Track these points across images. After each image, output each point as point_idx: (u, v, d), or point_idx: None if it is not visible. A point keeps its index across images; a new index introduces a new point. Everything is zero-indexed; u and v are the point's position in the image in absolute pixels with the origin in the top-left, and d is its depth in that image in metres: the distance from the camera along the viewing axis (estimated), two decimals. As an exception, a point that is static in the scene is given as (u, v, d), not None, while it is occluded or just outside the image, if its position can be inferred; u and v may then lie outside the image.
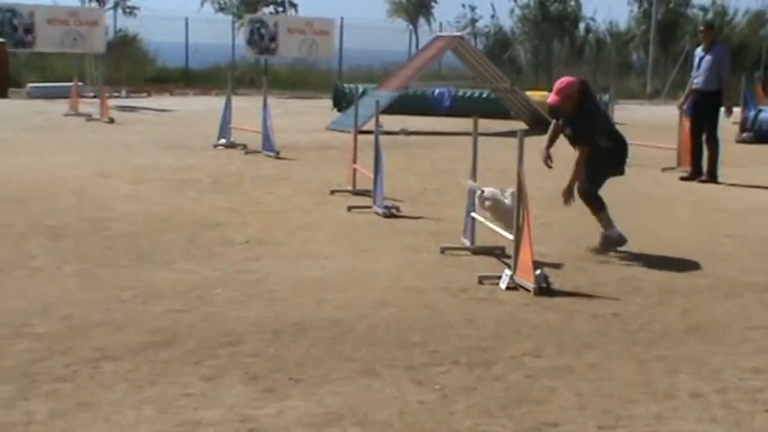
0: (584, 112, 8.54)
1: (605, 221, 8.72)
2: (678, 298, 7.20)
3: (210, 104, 24.70)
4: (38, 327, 5.99)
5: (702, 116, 13.71)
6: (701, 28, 14.52)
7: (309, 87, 32.69)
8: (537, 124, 19.19)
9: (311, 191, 11.93)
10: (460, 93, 24.64)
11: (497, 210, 8.21)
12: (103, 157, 14.47)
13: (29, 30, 28.16)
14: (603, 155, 8.60)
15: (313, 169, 13.89)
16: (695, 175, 13.77)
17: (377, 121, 10.76)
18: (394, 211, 10.39)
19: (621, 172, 8.87)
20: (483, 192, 8.33)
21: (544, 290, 7.12)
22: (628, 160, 8.92)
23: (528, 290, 7.12)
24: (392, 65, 30.09)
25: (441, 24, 37.50)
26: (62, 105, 22.20)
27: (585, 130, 8.54)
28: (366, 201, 10.81)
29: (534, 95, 22.52)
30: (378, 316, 6.49)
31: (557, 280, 7.45)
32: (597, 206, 8.74)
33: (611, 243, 8.67)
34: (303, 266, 7.89)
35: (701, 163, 13.81)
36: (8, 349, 5.54)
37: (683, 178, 13.87)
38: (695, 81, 13.81)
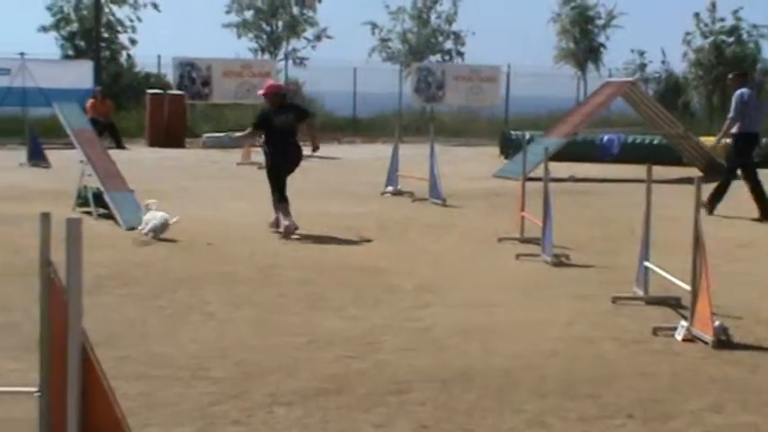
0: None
1: None
2: None
3: (377, 152, 25.03)
4: (213, 371, 6.17)
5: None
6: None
7: (475, 134, 32.75)
8: (711, 170, 18.69)
9: (478, 238, 11.93)
10: (630, 139, 24.23)
11: None
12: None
13: (206, 82, 29.33)
14: None
15: (480, 217, 13.89)
16: None
17: (546, 168, 10.70)
18: (563, 259, 10.28)
19: None
20: None
21: (723, 342, 6.89)
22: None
23: (706, 342, 6.91)
24: (560, 111, 29.86)
25: (609, 70, 37.07)
26: (235, 155, 22.92)
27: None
28: (534, 249, 10.73)
29: (708, 141, 21.93)
30: (548, 366, 6.41)
31: (737, 332, 7.20)
32: None
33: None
34: (471, 314, 7.89)
35: None
36: (187, 392, 5.73)
37: None
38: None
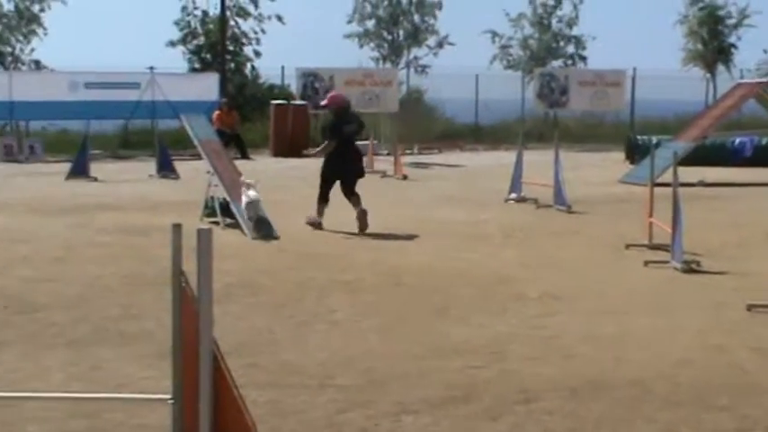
0: None
1: None
2: None
3: (500, 159, 24.91)
4: (340, 379, 6.20)
5: None
6: None
7: (600, 140, 32.30)
8: None
9: (605, 245, 11.74)
10: (764, 141, 23.56)
11: None
12: (397, 213, 14.89)
13: (329, 92, 29.62)
14: None
15: (606, 223, 13.67)
16: None
17: (675, 172, 10.46)
18: (693, 265, 10.03)
19: None
20: None
21: None
22: None
23: None
24: (688, 115, 29.22)
25: (741, 71, 36.08)
26: (357, 163, 23.08)
27: None
28: (663, 255, 10.50)
29: None
30: (680, 375, 6.26)
31: None
32: None
33: None
34: (599, 322, 7.76)
35: None
36: (315, 400, 5.77)
37: None
38: None
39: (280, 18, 33.36)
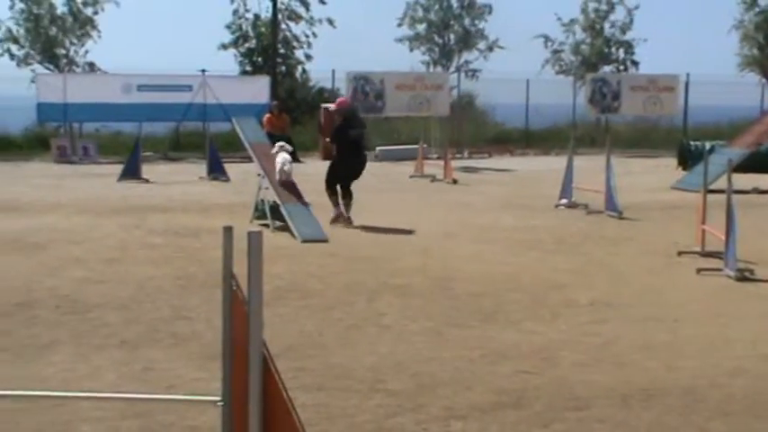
0: None
1: None
2: None
3: (550, 164, 24.79)
4: (389, 383, 6.20)
5: None
6: None
7: (652, 146, 32.02)
8: None
9: (657, 252, 11.63)
10: (820, 148, 23.17)
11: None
12: (447, 217, 14.87)
13: (379, 96, 29.69)
14: None
15: (658, 230, 13.55)
16: None
17: (729, 179, 10.34)
18: (747, 274, 9.91)
19: None
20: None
21: None
22: None
23: None
24: (742, 121, 28.88)
25: (800, 76, 35.52)
26: (408, 167, 23.10)
27: None
28: (717, 263, 10.38)
29: None
30: (733, 385, 6.18)
31: None
32: None
33: None
34: (651, 330, 7.69)
35: None
36: (364, 404, 5.78)
37: None
38: None
39: (331, 21, 33.46)
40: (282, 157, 13.50)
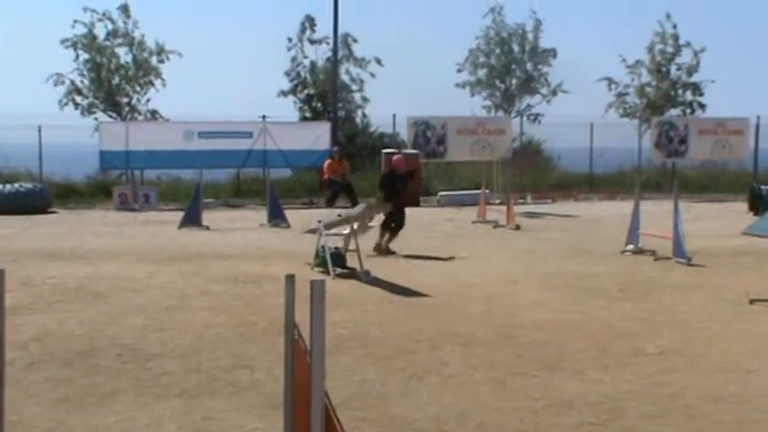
0: None
1: None
2: None
3: (615, 209, 24.60)
4: (452, 434, 6.16)
5: None
6: None
7: (720, 190, 31.68)
8: None
9: (727, 299, 11.46)
10: None
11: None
12: (510, 263, 14.80)
13: (441, 140, 29.78)
14: None
15: (728, 277, 13.35)
16: None
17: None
18: (823, 322, 9.71)
19: None
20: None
21: None
22: None
23: None
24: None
25: None
26: (470, 212, 23.07)
27: None
28: (790, 311, 10.20)
29: None
30: (810, 439, 6.03)
31: None
32: None
33: None
34: (722, 381, 7.55)
35: None
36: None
37: None
38: None
39: (378, 61, 33.72)
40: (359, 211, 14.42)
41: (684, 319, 10.32)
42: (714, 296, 11.76)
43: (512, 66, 34.45)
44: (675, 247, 14.88)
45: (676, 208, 14.98)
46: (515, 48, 34.52)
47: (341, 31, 32.03)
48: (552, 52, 34.52)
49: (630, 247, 15.99)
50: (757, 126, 33.17)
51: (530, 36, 34.46)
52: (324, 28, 33.16)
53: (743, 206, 24.89)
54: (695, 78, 34.91)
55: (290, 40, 33.70)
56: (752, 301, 11.12)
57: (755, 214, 22.81)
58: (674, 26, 34.36)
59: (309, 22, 33.50)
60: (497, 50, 34.53)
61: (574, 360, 8.30)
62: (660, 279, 13.15)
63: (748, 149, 33.13)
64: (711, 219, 22.95)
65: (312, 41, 33.67)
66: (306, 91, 34.14)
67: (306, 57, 33.88)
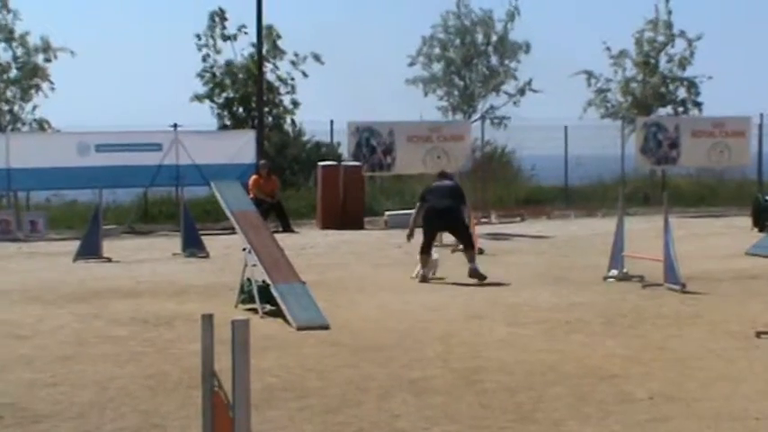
0: None
1: None
2: None
3: (595, 227, 24.85)
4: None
5: None
6: None
7: (719, 203, 32.09)
8: None
9: (730, 332, 11.61)
10: None
11: None
12: (472, 295, 14.88)
13: (388, 150, 29.73)
14: None
15: (731, 305, 13.53)
16: None
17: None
18: (841, 357, 9.89)
19: None
20: None
21: None
22: None
23: None
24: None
25: None
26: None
27: None
28: (803, 344, 10.37)
29: None
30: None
31: None
32: None
33: None
34: (726, 430, 7.65)
35: None
36: None
37: None
38: None
39: (317, 57, 33.56)
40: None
41: (679, 356, 10.44)
42: (714, 329, 11.90)
43: (473, 60, 34.51)
44: (667, 272, 15.03)
45: (667, 225, 15.14)
46: (480, 38, 34.51)
47: (265, 23, 31.86)
48: (525, 46, 34.42)
49: (614, 272, 16.13)
50: (761, 126, 33.43)
51: (498, 25, 34.39)
52: (238, 21, 32.95)
53: (746, 221, 25.21)
54: (689, 73, 35.16)
55: (198, 37, 33.39)
56: (758, 334, 11.27)
57: (761, 231, 23.11)
58: (669, 12, 34.50)
59: (219, 15, 33.19)
60: (457, 41, 34.55)
61: (549, 409, 8.36)
62: (650, 310, 13.29)
63: (751, 154, 33.37)
64: (709, 237, 23.23)
65: (225, 38, 33.41)
66: (224, 94, 33.92)
67: (219, 52, 33.55)
